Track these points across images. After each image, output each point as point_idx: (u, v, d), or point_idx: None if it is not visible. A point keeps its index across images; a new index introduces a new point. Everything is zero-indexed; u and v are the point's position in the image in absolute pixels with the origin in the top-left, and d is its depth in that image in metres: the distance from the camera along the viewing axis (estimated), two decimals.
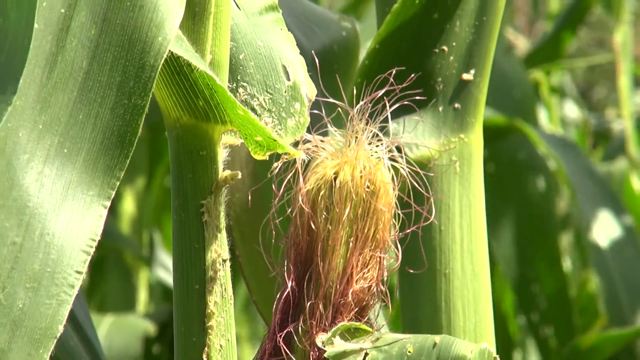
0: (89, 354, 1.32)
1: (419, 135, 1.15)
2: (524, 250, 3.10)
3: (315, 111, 1.03)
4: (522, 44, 5.07)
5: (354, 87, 1.03)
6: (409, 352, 0.94)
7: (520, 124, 2.99)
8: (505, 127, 2.97)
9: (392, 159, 1.00)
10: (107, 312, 3.30)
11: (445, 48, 1.14)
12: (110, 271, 3.59)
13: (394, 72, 1.04)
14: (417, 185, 1.03)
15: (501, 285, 3.48)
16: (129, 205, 3.59)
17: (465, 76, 1.15)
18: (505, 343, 3.51)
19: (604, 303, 2.98)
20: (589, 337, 2.83)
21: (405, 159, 1.06)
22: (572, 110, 4.54)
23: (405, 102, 1.05)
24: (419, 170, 1.03)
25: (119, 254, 3.51)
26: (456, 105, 1.15)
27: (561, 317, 3.04)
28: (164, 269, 3.51)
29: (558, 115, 4.07)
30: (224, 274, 0.97)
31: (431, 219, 1.09)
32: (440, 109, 1.15)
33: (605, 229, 2.97)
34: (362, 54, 1.35)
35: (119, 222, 3.58)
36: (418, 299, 1.16)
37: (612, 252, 2.96)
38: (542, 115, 4.07)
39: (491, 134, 2.99)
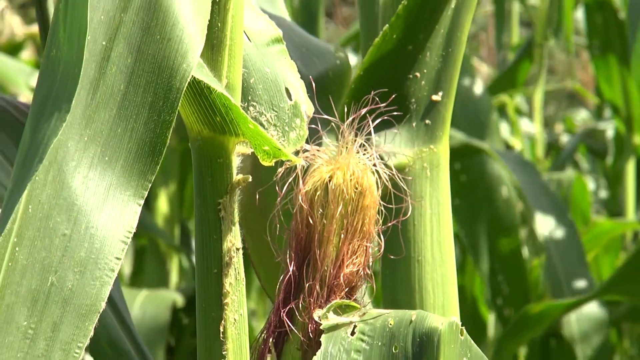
0: (122, 326, 1.31)
1: (396, 146, 1.14)
2: (492, 245, 3.10)
3: (313, 126, 1.03)
4: (484, 71, 5.08)
5: (345, 106, 1.03)
6: (390, 324, 0.94)
7: (482, 145, 3.00)
8: (473, 148, 2.98)
9: (375, 165, 1.00)
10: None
11: (417, 74, 1.14)
12: (148, 257, 3.60)
13: (376, 93, 1.04)
14: (395, 186, 1.02)
15: (471, 274, 3.48)
16: (163, 204, 3.59)
17: (435, 97, 1.15)
18: (477, 320, 3.51)
19: (547, 283, 2.98)
20: (537, 306, 2.84)
21: (386, 165, 1.06)
22: (527, 125, 4.54)
23: (385, 119, 1.05)
24: (397, 174, 1.03)
25: (155, 244, 3.51)
26: (427, 121, 1.15)
27: (521, 301, 3.04)
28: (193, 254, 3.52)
29: (519, 131, 4.06)
30: (237, 260, 0.97)
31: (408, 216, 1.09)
32: (414, 124, 1.15)
33: (549, 226, 2.98)
34: None
35: (155, 217, 3.58)
36: (396, 281, 1.16)
37: (554, 243, 2.97)
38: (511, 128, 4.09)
39: (463, 152, 3.00)
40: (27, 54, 4.80)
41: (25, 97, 3.23)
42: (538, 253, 3.29)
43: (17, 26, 4.74)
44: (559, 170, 4.27)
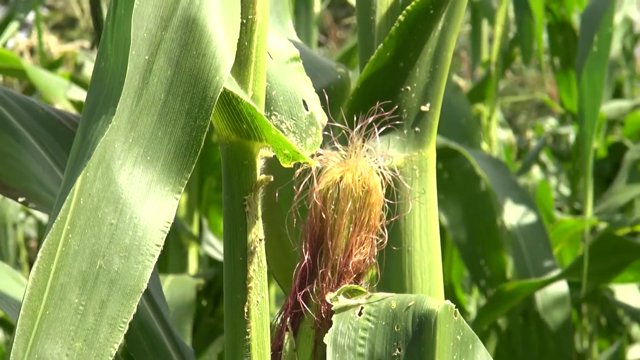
0: (153, 309, 1.31)
1: (390, 150, 1.14)
2: (473, 234, 3.10)
3: (326, 133, 1.03)
4: (464, 85, 5.08)
5: (349, 116, 1.03)
6: (393, 306, 0.93)
7: (460, 149, 3.00)
8: (451, 149, 2.98)
9: (380, 168, 1.00)
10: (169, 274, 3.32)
11: (408, 88, 1.14)
12: (170, 246, 3.59)
13: (372, 105, 1.05)
14: (395, 186, 1.02)
15: (449, 262, 3.48)
16: (183, 200, 3.59)
17: (423, 108, 1.15)
18: (453, 302, 3.51)
19: (515, 266, 2.98)
20: (510, 285, 2.84)
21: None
22: (501, 133, 4.54)
23: (383, 124, 1.05)
24: (397, 176, 1.03)
25: (177, 234, 3.51)
26: (416, 129, 1.15)
27: (500, 281, 3.04)
28: (209, 245, 3.51)
29: (494, 136, 4.06)
30: (260, 249, 0.97)
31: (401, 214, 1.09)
32: (405, 131, 1.15)
33: (517, 216, 2.99)
34: None
35: (176, 211, 3.59)
36: (389, 268, 1.16)
37: (521, 231, 2.97)
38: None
39: (446, 153, 3.00)
40: (64, 69, 4.80)
41: (62, 105, 3.23)
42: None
43: (53, 45, 4.73)
44: (525, 171, 4.27)
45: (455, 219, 3.12)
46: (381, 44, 1.13)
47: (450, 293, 3.54)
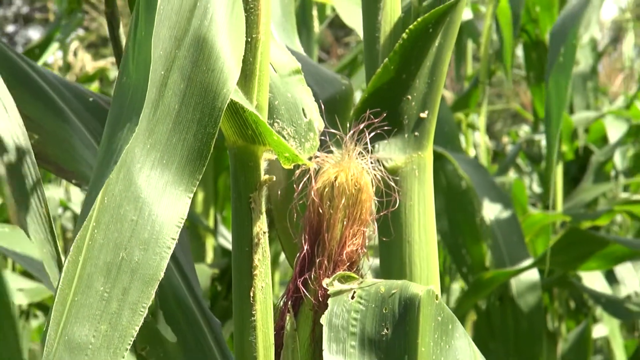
0: (187, 288, 1.31)
1: (392, 152, 1.14)
2: (455, 226, 3.10)
3: (323, 137, 1.03)
4: (448, 95, 5.08)
5: (351, 122, 1.03)
6: (382, 291, 0.93)
7: (444, 152, 3.01)
8: (436, 153, 2.98)
9: (371, 168, 1.00)
10: None
11: (409, 97, 1.14)
12: (190, 238, 3.59)
13: (376, 112, 1.05)
14: (387, 185, 1.02)
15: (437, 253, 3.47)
16: (200, 197, 3.60)
17: (422, 115, 1.15)
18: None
19: (492, 256, 2.98)
20: (489, 273, 2.85)
21: (384, 168, 1.07)
22: (479, 137, 4.54)
23: (385, 130, 1.06)
24: (388, 174, 1.02)
25: (195, 228, 3.51)
26: (416, 133, 1.15)
27: (479, 269, 3.04)
28: (223, 237, 3.51)
29: (471, 141, 4.06)
30: (264, 241, 0.97)
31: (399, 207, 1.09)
32: (406, 136, 1.14)
33: (494, 212, 2.98)
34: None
35: (195, 207, 3.58)
36: (391, 258, 1.15)
37: (498, 226, 2.97)
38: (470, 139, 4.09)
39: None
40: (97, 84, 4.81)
41: None
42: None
43: (87, 62, 4.73)
44: (503, 172, 4.28)
45: (439, 214, 3.12)
46: (386, 59, 1.12)
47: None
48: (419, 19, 1.10)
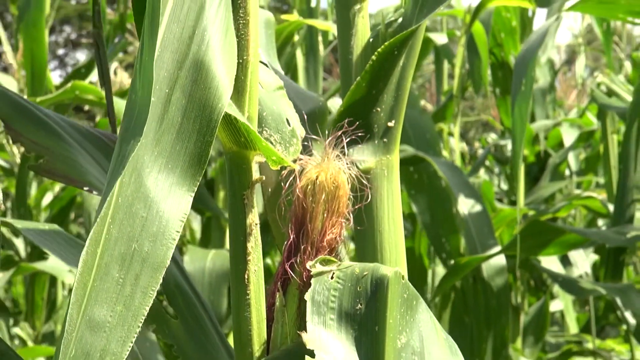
0: (182, 276, 1.31)
1: (365, 156, 1.14)
2: (435, 219, 3.09)
3: (305, 143, 1.03)
4: (429, 108, 5.07)
5: (329, 130, 1.02)
6: (356, 272, 0.93)
7: (425, 157, 3.00)
8: (419, 157, 2.97)
9: (347, 168, 0.99)
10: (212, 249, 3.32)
11: (379, 109, 1.14)
12: (214, 228, 3.59)
13: (351, 122, 1.04)
14: (361, 183, 1.02)
15: (419, 239, 3.47)
16: (221, 195, 3.59)
17: (389, 124, 1.14)
18: (422, 271, 3.51)
19: (466, 244, 2.97)
20: (464, 258, 2.84)
21: (358, 168, 1.06)
22: (455, 143, 4.53)
23: (359, 137, 1.06)
24: (362, 175, 1.02)
25: (218, 219, 3.51)
26: (384, 139, 1.14)
27: (456, 255, 3.03)
28: None
29: (449, 146, 4.05)
30: (256, 231, 0.96)
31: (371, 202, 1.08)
32: (376, 142, 1.14)
33: (468, 207, 2.97)
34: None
35: (218, 203, 3.58)
36: (365, 244, 1.15)
37: (471, 218, 2.97)
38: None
39: (416, 160, 2.99)
40: None
41: None
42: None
43: (125, 80, 4.74)
44: (475, 172, 4.28)
45: (422, 208, 3.11)
46: (359, 77, 1.12)
47: (419, 264, 3.53)
48: (385, 43, 1.10)
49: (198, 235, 3.93)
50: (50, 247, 1.43)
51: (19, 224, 1.53)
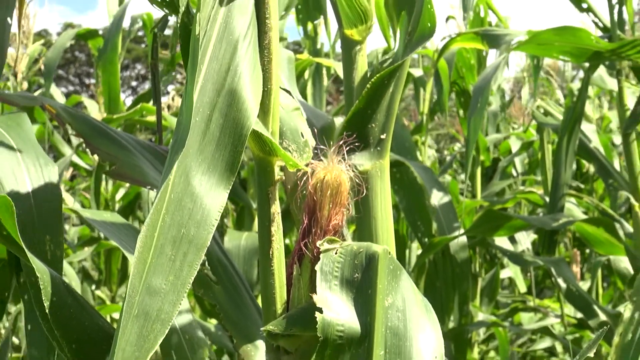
0: (222, 252, 1.30)
1: (362, 161, 1.12)
2: (413, 208, 3.07)
3: (315, 151, 1.01)
4: (409, 124, 5.04)
5: (334, 141, 1.01)
6: (354, 249, 0.91)
7: (405, 161, 2.98)
8: (400, 161, 2.95)
9: (348, 170, 0.98)
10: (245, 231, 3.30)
11: (373, 125, 1.12)
12: (246, 215, 3.57)
13: (352, 134, 1.03)
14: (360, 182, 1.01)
15: (402, 224, 3.45)
16: (251, 191, 3.57)
17: (382, 136, 1.13)
18: (402, 248, 3.49)
19: (437, 227, 2.95)
20: (436, 239, 2.82)
21: (358, 170, 1.05)
22: (430, 151, 4.51)
23: (358, 146, 1.04)
24: (360, 175, 1.01)
25: (250, 208, 3.49)
26: (378, 148, 1.13)
27: (429, 235, 3.01)
28: None
29: (424, 153, 4.03)
30: (278, 218, 0.95)
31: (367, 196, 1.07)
32: (372, 150, 1.13)
33: (438, 200, 2.95)
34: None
35: (248, 196, 3.56)
36: (362, 228, 1.14)
37: (440, 208, 2.94)
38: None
39: (398, 164, 2.97)
40: None
41: None
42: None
43: (178, 102, 4.74)
44: (444, 173, 4.26)
45: (404, 200, 3.09)
46: (358, 100, 1.11)
47: (401, 242, 3.51)
48: (377, 75, 1.09)
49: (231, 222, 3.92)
50: (108, 232, 1.41)
51: (87, 212, 1.52)
